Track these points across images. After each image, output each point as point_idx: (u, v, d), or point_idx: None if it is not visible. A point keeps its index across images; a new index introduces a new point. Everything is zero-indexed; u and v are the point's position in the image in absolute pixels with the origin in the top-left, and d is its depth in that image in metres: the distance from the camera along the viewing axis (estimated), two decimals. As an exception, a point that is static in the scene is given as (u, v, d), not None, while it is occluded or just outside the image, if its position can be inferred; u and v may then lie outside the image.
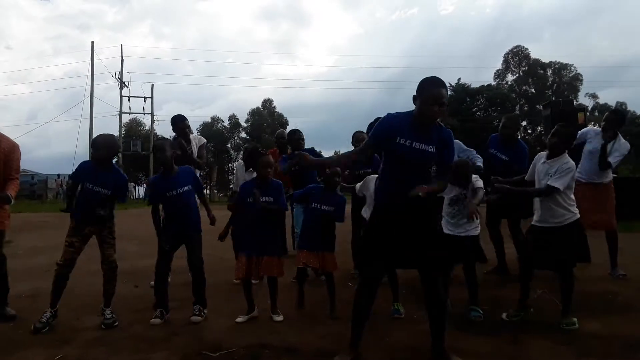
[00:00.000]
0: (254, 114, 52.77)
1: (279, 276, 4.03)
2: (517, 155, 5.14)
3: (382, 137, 2.84)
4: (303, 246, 4.17)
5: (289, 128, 24.43)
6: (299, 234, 4.72)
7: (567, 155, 3.71)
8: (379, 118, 3.01)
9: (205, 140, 5.82)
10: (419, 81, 2.81)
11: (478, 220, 3.92)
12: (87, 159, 5.00)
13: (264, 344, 3.37)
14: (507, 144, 5.25)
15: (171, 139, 5.53)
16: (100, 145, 3.98)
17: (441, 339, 2.93)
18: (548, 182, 3.61)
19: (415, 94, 2.82)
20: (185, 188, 4.05)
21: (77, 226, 3.95)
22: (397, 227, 2.84)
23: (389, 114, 2.91)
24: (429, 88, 2.76)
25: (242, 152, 51.07)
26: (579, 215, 3.66)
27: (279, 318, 3.93)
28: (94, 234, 4.00)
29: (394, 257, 2.91)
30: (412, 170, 2.82)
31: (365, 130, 5.27)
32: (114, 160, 4.07)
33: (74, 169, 4.18)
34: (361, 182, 4.42)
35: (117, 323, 3.82)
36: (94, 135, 6.04)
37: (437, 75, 2.81)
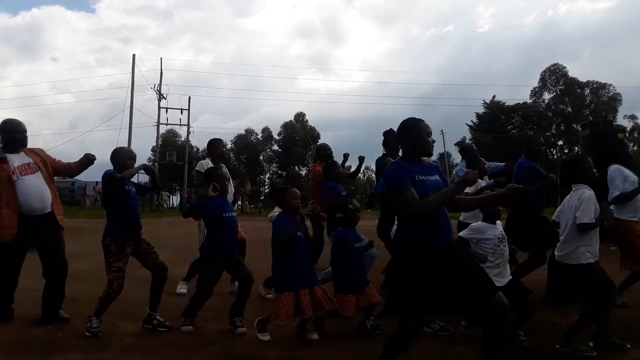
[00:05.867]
0: (287, 127, 53.19)
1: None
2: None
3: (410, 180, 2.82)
4: (352, 290, 3.91)
5: (320, 142, 24.68)
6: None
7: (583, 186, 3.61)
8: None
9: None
10: (399, 126, 2.97)
11: (499, 270, 3.60)
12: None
13: (294, 357, 3.41)
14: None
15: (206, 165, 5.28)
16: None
17: (495, 357, 2.74)
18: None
19: (399, 137, 2.97)
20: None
21: (121, 248, 3.93)
22: (442, 265, 2.75)
23: (393, 162, 3.00)
24: (417, 124, 2.92)
25: (274, 164, 51.12)
26: (588, 262, 3.44)
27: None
28: (133, 251, 4.01)
29: (441, 298, 2.76)
30: None
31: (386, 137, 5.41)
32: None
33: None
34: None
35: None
36: (132, 145, 6.07)
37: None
